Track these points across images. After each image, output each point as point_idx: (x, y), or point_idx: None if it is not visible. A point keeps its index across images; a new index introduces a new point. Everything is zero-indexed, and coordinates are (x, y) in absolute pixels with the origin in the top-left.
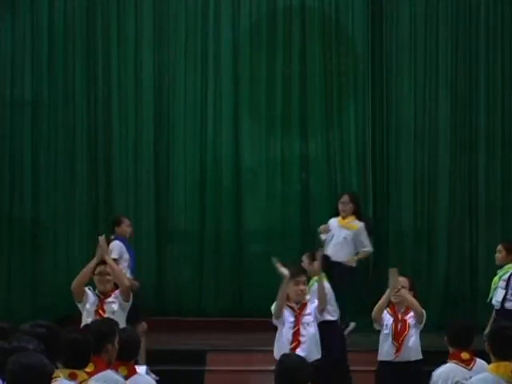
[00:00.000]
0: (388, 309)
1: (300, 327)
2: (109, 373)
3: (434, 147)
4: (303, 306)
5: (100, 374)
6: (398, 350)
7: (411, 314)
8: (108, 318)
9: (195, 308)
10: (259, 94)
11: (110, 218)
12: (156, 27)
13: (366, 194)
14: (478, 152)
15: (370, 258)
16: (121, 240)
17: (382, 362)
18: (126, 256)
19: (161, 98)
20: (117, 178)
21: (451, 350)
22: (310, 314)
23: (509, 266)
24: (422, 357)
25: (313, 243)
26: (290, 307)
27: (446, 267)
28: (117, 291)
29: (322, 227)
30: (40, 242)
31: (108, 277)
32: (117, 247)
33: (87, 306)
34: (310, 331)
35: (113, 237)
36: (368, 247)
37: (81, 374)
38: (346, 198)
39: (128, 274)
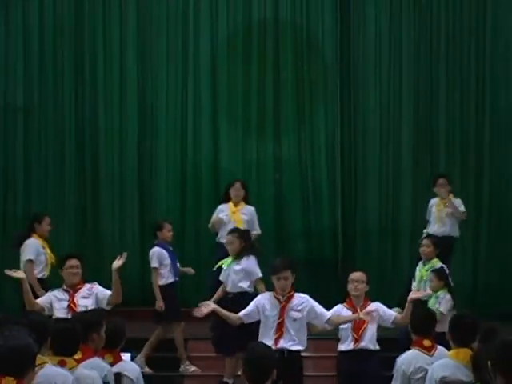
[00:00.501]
0: (345, 304)
1: (285, 320)
2: (96, 360)
3: (398, 150)
4: (289, 297)
5: (87, 361)
6: (356, 340)
7: (369, 307)
8: (95, 308)
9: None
10: (236, 99)
11: (96, 215)
12: (140, 33)
13: (335, 193)
14: (438, 154)
15: (339, 253)
16: (162, 246)
17: (341, 352)
18: (167, 262)
19: (144, 103)
20: (103, 179)
21: (414, 337)
22: (299, 311)
23: (435, 260)
24: (379, 347)
25: (287, 239)
26: (276, 298)
27: (409, 264)
28: (89, 286)
29: (216, 220)
30: None
31: (76, 270)
32: (156, 255)
33: (56, 305)
34: (295, 326)
35: (156, 242)
36: (258, 230)
37: (70, 361)
38: (238, 184)
39: (171, 279)
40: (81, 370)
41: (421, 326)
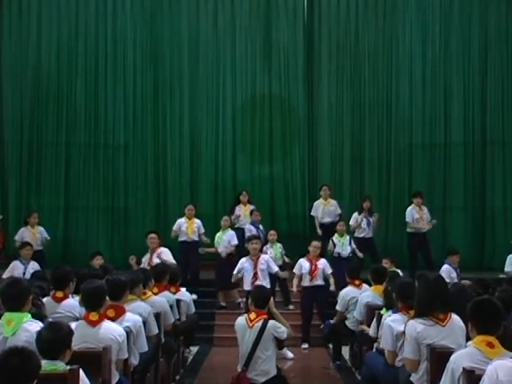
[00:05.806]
0: (306, 258)
1: (258, 271)
2: (165, 292)
3: (340, 170)
4: (257, 258)
5: (161, 294)
6: (311, 280)
7: (320, 261)
8: (165, 263)
9: None
10: (246, 140)
11: (166, 207)
12: (191, 105)
13: (305, 194)
14: (364, 173)
15: (307, 229)
16: (252, 224)
17: (304, 287)
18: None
19: (193, 143)
20: (170, 187)
21: (348, 279)
22: (263, 264)
23: (345, 233)
24: (324, 283)
25: (277, 221)
26: (251, 259)
27: None
28: (159, 250)
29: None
30: (129, 221)
31: (154, 240)
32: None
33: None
34: (264, 274)
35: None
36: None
37: (148, 293)
38: (244, 192)
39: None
40: (154, 298)
41: (351, 272)
